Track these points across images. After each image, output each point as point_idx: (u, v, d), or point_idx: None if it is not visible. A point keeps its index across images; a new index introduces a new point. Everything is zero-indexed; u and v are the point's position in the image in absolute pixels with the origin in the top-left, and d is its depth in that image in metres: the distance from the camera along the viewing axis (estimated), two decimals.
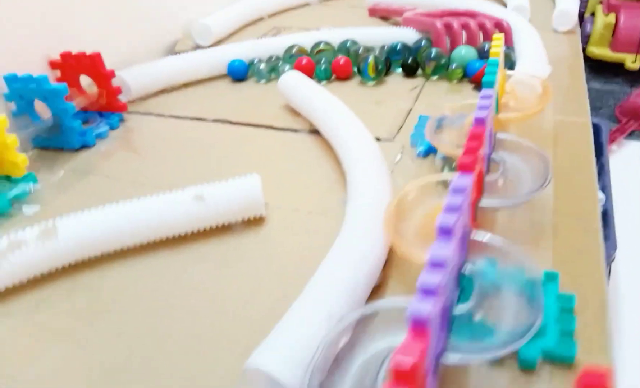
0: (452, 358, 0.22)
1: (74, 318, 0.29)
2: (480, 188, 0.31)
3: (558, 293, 0.27)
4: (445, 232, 0.21)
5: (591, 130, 0.43)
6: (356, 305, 0.25)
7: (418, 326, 0.18)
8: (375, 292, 0.28)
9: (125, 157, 0.46)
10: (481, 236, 0.27)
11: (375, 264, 0.27)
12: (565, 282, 0.28)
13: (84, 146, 0.47)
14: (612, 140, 1.18)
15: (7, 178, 0.40)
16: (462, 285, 0.27)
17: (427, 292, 0.19)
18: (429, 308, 0.18)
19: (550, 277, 0.28)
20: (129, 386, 0.25)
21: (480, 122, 0.30)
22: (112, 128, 0.50)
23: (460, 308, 0.24)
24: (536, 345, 0.24)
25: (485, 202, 0.29)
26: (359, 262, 0.26)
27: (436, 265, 0.20)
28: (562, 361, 0.24)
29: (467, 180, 0.24)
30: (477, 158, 0.27)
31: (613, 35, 1.38)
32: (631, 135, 1.21)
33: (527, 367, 0.24)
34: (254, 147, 0.46)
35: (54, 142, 0.47)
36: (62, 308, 0.30)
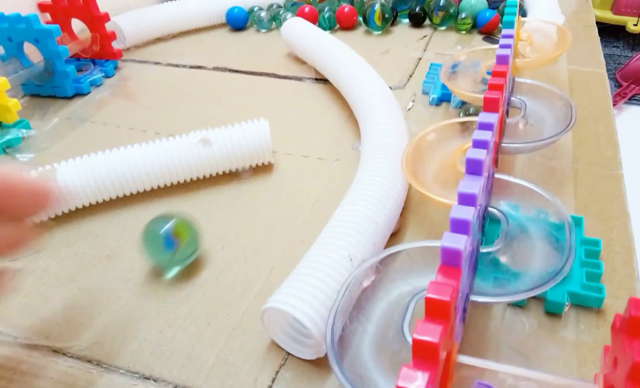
0: (478, 299, 0.21)
1: (77, 265, 0.28)
2: (500, 131, 0.29)
3: (583, 237, 0.26)
4: (475, 165, 0.20)
5: (607, 79, 0.42)
6: (376, 248, 0.24)
7: (452, 259, 0.17)
8: (393, 238, 0.27)
9: (123, 104, 0.44)
10: (506, 178, 0.26)
11: (394, 206, 0.26)
12: (588, 227, 0.27)
13: (78, 94, 0.45)
14: (614, 105, 1.17)
15: None
16: (485, 228, 0.26)
17: (460, 224, 0.18)
18: (463, 240, 0.17)
19: (575, 222, 0.27)
20: (136, 332, 0.24)
21: (503, 59, 0.28)
22: (107, 76, 0.48)
23: (485, 251, 0.23)
24: (563, 289, 0.23)
25: (508, 143, 0.28)
26: (378, 203, 0.25)
27: (467, 198, 0.19)
28: (589, 305, 0.23)
29: (493, 116, 0.23)
30: (501, 95, 0.25)
31: None
32: (632, 99, 1.20)
33: (553, 311, 0.23)
34: (258, 95, 0.44)
35: (46, 89, 0.44)
36: (65, 255, 0.28)
